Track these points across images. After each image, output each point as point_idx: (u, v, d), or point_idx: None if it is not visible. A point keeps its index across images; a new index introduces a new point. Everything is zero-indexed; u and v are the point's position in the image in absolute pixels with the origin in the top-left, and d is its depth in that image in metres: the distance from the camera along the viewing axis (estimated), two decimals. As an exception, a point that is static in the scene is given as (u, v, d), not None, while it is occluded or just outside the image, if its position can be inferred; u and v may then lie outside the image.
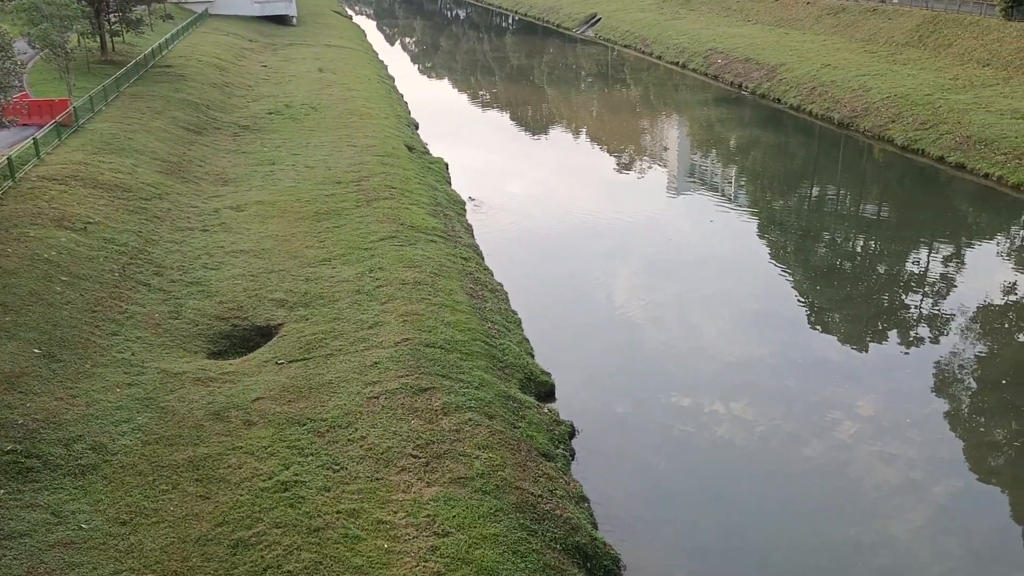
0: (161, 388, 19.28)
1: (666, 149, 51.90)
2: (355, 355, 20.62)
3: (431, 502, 15.44)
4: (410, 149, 42.35)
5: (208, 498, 15.68)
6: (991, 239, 35.58)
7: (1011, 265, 32.12)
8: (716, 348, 25.32)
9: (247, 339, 22.54)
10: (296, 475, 16.19)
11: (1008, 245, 34.84)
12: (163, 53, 56.84)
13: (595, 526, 16.90)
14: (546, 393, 22.00)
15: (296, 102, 49.56)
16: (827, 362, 24.51)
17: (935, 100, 48.27)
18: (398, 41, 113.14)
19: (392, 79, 68.86)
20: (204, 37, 67.32)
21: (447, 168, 42.48)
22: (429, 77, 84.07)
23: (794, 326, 26.89)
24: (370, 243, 27.83)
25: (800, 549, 16.98)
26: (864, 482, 19.03)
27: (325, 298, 23.96)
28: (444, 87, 77.43)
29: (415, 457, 16.73)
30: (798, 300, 28.83)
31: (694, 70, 72.49)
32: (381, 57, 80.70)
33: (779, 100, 58.95)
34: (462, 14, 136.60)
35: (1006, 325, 27.18)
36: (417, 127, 52.39)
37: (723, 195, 41.65)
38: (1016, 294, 29.24)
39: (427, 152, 44.99)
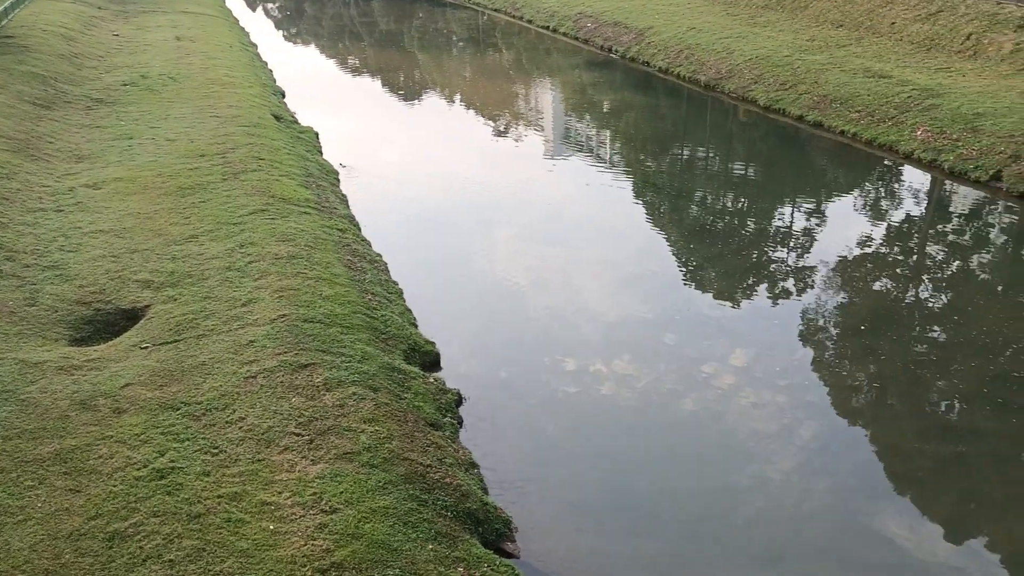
0: (20, 379, 18.07)
1: (541, 114, 52.17)
2: (229, 334, 19.90)
3: (317, 479, 15.12)
4: (277, 119, 40.95)
5: (79, 491, 14.85)
6: (847, 193, 37.54)
7: (866, 218, 33.97)
8: (598, 310, 25.79)
9: (112, 323, 21.37)
10: (172, 461, 15.53)
11: (863, 199, 36.83)
12: (2, 23, 52.75)
13: (486, 491, 16.97)
14: (431, 363, 21.84)
15: (153, 72, 47.03)
16: (702, 317, 25.36)
17: (793, 61, 50.27)
18: (260, 7, 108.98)
19: (255, 46, 66.29)
20: (48, 5, 62.87)
21: (318, 137, 41.35)
22: (295, 44, 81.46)
23: (671, 284, 27.70)
24: (239, 217, 26.82)
25: (682, 496, 17.59)
26: (739, 430, 19.87)
27: (194, 276, 22.97)
28: (311, 54, 75.18)
29: (298, 435, 16.34)
30: (674, 259, 29.67)
31: (565, 34, 72.94)
32: (243, 24, 77.48)
33: (648, 63, 60.09)
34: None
35: (863, 274, 28.77)
36: (284, 96, 50.72)
37: (599, 158, 42.27)
38: (871, 245, 30.98)
39: (296, 121, 43.63)
